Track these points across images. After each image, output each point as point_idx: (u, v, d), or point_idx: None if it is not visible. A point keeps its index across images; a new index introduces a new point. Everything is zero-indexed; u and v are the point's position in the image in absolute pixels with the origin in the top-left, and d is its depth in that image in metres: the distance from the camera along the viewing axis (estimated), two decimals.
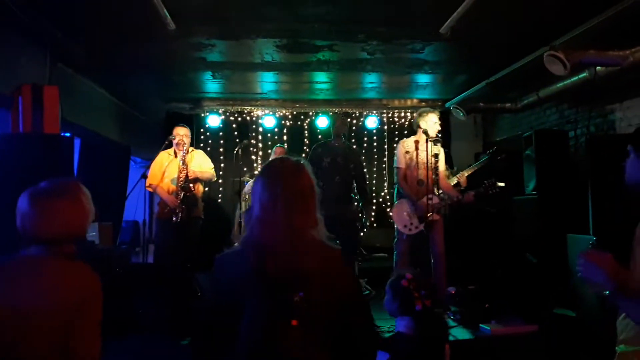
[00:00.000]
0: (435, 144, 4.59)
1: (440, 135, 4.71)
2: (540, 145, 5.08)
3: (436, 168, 4.54)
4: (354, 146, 7.39)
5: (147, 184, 5.04)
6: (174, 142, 5.00)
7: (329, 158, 5.04)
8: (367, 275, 5.52)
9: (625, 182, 1.62)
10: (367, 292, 5.22)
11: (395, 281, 2.42)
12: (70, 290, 1.64)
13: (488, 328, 3.89)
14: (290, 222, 1.56)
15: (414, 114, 5.04)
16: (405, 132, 7.41)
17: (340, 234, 4.58)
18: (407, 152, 4.65)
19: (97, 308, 1.67)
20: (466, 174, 5.28)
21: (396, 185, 4.79)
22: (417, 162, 4.58)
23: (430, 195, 4.44)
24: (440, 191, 4.57)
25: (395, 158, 4.76)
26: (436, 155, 4.56)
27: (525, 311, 4.21)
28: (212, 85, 6.42)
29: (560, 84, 5.13)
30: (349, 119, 7.17)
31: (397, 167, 4.70)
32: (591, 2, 3.74)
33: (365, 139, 7.72)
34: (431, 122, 4.60)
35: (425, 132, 4.59)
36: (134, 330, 3.69)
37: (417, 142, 4.60)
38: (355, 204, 5.43)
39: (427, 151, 4.53)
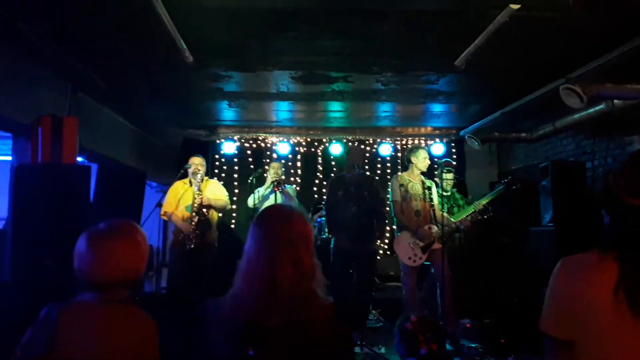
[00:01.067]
0: (445, 174, 4.89)
1: (450, 167, 4.84)
2: (557, 176, 5.03)
3: (430, 199, 4.79)
4: (367, 173, 7.42)
5: (162, 212, 5.09)
6: (189, 171, 5.06)
7: (342, 190, 5.03)
8: (381, 306, 5.46)
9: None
10: (380, 324, 5.16)
11: (402, 324, 2.40)
12: (126, 338, 1.59)
13: None
14: (273, 274, 1.48)
15: (406, 150, 5.33)
16: None
17: (356, 270, 4.60)
18: (401, 185, 4.88)
19: (153, 353, 1.63)
20: (483, 203, 5.24)
21: (395, 219, 4.95)
22: (412, 195, 4.83)
23: (428, 225, 4.74)
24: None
25: (390, 192, 4.95)
26: (429, 188, 4.85)
27: (543, 348, 4.10)
28: (228, 113, 6.50)
29: (577, 115, 5.11)
30: (362, 146, 7.19)
31: (394, 201, 4.91)
32: (607, 38, 3.73)
33: (379, 166, 7.72)
34: (421, 158, 4.90)
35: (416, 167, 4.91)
36: None
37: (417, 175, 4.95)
38: (376, 235, 5.35)
39: (422, 183, 4.85)
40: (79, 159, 4.95)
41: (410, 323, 2.35)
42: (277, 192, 5.23)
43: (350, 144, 7.37)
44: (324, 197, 5.34)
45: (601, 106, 4.66)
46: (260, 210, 1.72)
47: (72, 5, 3.33)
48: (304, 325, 1.47)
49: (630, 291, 1.27)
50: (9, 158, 4.55)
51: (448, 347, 4.32)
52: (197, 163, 5.07)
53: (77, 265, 1.65)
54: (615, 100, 4.47)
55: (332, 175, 7.12)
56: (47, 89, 4.41)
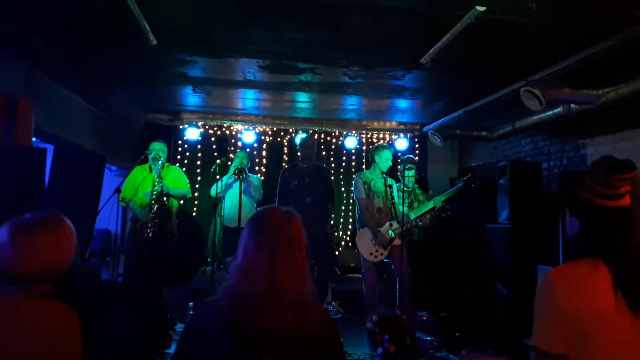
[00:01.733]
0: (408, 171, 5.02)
1: (412, 163, 4.95)
2: (515, 175, 5.18)
3: (392, 197, 4.90)
4: (332, 165, 7.47)
5: (120, 199, 4.96)
6: (150, 157, 4.95)
7: (296, 180, 5.08)
8: (341, 298, 5.51)
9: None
10: (339, 315, 5.22)
11: (367, 322, 2.44)
12: (47, 333, 1.55)
13: (457, 359, 3.91)
14: (272, 273, 1.50)
15: (372, 147, 5.37)
16: None
17: (315, 256, 4.61)
18: (364, 182, 4.97)
19: (74, 350, 1.59)
20: (442, 200, 5.35)
21: (357, 215, 5.05)
22: (375, 192, 4.93)
23: (390, 222, 4.84)
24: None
25: (355, 189, 5.04)
26: (391, 186, 4.96)
27: (495, 342, 4.25)
28: (192, 98, 6.38)
29: (535, 117, 5.24)
30: (325, 138, 7.22)
31: (359, 198, 4.98)
32: (567, 44, 3.86)
33: (344, 158, 7.76)
34: (384, 159, 4.99)
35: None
36: (101, 351, 3.59)
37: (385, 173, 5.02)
38: (331, 223, 5.47)
39: (383, 181, 4.94)
40: (35, 139, 4.77)
41: (371, 323, 2.40)
42: (240, 181, 5.18)
43: (305, 134, 7.36)
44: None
45: (559, 109, 4.81)
46: (260, 209, 1.73)
47: None
48: (303, 327, 1.49)
49: (629, 293, 1.31)
50: None
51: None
52: (158, 149, 4.95)
53: None
54: (572, 105, 4.62)
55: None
56: (1, 65, 4.21)
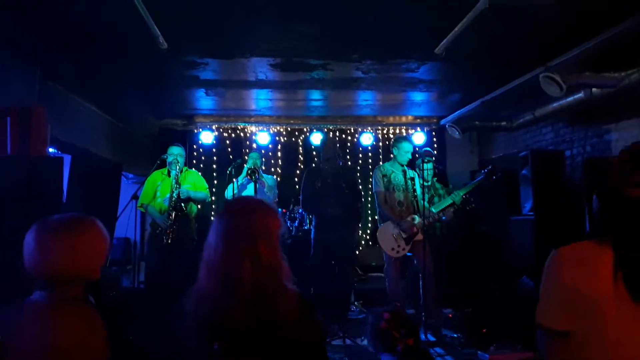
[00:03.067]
0: (424, 164, 4.83)
1: (430, 157, 4.82)
2: (537, 165, 5.05)
3: (414, 190, 4.74)
4: (348, 164, 7.37)
5: (138, 204, 4.95)
6: (168, 161, 4.93)
7: (319, 182, 4.98)
8: (363, 297, 5.43)
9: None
10: (362, 315, 5.14)
11: (375, 323, 2.36)
12: (77, 338, 1.54)
13: (487, 355, 3.81)
14: (228, 268, 1.46)
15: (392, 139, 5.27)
16: None
17: (337, 264, 4.57)
18: (384, 175, 4.84)
19: (102, 354, 1.58)
20: (462, 194, 5.23)
21: (377, 210, 4.92)
22: (395, 185, 4.79)
23: (412, 216, 4.69)
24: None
25: (374, 182, 4.90)
26: (412, 179, 4.80)
27: (523, 336, 4.13)
28: (205, 101, 6.36)
29: (556, 104, 5.11)
30: (339, 136, 7.15)
31: (377, 191, 4.85)
32: (586, 26, 3.72)
33: (361, 155, 7.66)
34: (402, 151, 4.83)
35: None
36: (122, 357, 3.57)
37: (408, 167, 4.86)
38: (355, 227, 5.33)
39: (404, 174, 4.80)
40: (53, 150, 4.79)
41: (384, 321, 2.32)
42: (254, 182, 5.13)
43: (327, 134, 7.29)
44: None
45: (580, 95, 4.67)
46: (226, 201, 1.71)
47: None
48: (269, 318, 1.46)
49: (629, 278, 1.30)
50: None
51: (431, 337, 4.32)
52: (176, 153, 4.92)
53: (27, 260, 1.56)
54: (593, 89, 4.48)
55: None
56: (14, 77, 4.23)
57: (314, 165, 5.69)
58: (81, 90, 5.41)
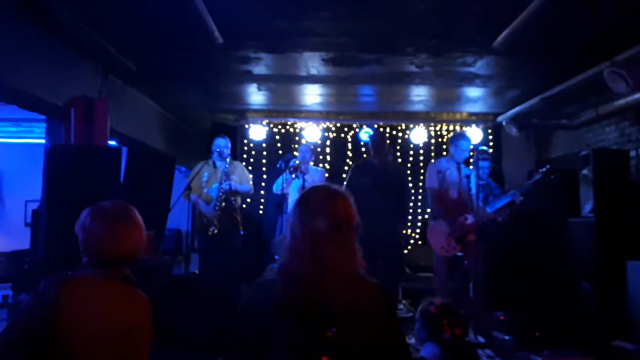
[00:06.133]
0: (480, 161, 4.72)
1: (486, 155, 4.67)
2: (599, 165, 4.79)
3: (469, 188, 4.58)
4: (398, 161, 7.27)
5: (185, 194, 5.08)
6: (215, 152, 5.03)
7: (368, 178, 4.91)
8: (411, 296, 5.34)
9: None
10: (410, 314, 5.06)
11: (425, 308, 2.35)
12: (126, 315, 1.68)
13: (540, 359, 3.66)
14: (320, 254, 1.50)
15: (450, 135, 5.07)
16: None
17: (382, 254, 4.50)
18: (439, 172, 4.69)
19: (146, 333, 1.70)
20: (519, 193, 5.05)
21: (430, 207, 4.85)
22: (450, 183, 4.64)
23: (465, 215, 4.50)
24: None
25: (427, 178, 4.78)
26: (468, 177, 4.63)
27: (581, 342, 3.95)
28: (257, 97, 6.44)
29: (622, 101, 4.86)
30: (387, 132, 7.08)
31: (430, 188, 4.73)
32: None
33: (412, 152, 7.51)
34: (460, 150, 4.68)
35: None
36: (172, 344, 3.66)
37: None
38: (399, 221, 5.26)
39: (459, 171, 4.63)
40: (112, 142, 4.98)
41: (434, 306, 2.30)
42: (299, 177, 5.12)
43: (376, 130, 7.19)
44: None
45: None
46: (306, 189, 1.75)
47: None
48: (361, 305, 1.50)
49: None
50: (43, 141, 4.60)
51: (480, 339, 4.19)
52: (222, 145, 5.03)
53: (84, 240, 1.73)
54: None
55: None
56: (78, 71, 4.43)
57: (360, 161, 5.63)
58: (139, 85, 5.60)
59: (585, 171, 4.98)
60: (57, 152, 3.81)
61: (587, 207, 4.90)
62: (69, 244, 3.38)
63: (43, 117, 4.41)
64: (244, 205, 5.58)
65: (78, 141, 3.97)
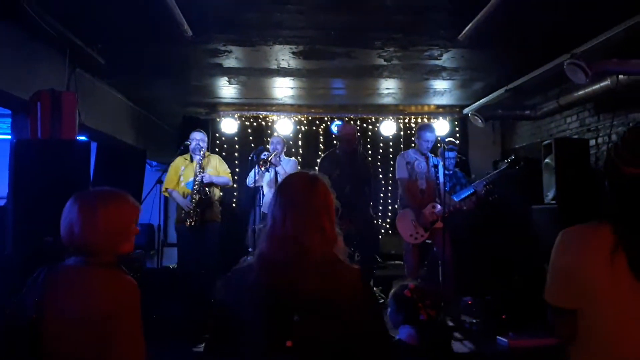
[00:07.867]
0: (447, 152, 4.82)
1: (453, 146, 4.80)
2: (560, 153, 4.96)
3: (437, 178, 4.73)
4: (369, 152, 7.37)
5: (163, 189, 5.07)
6: (191, 146, 5.03)
7: (337, 169, 5.01)
8: (382, 284, 5.46)
9: None
10: (381, 300, 5.17)
11: (399, 292, 2.40)
12: (109, 300, 1.64)
13: (506, 341, 3.80)
14: (300, 239, 1.49)
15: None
16: None
17: (359, 234, 4.62)
18: (407, 162, 4.82)
19: (134, 317, 1.67)
20: (484, 183, 5.20)
21: (399, 196, 4.96)
22: (418, 173, 4.78)
23: (433, 204, 4.68)
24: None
25: (397, 169, 4.91)
26: (436, 166, 4.78)
27: (545, 324, 4.10)
28: (228, 90, 6.43)
29: (581, 92, 5.03)
30: (361, 125, 7.16)
31: (400, 178, 4.85)
32: (613, 12, 3.66)
33: (382, 144, 7.65)
34: (423, 140, 4.81)
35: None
36: (149, 336, 3.67)
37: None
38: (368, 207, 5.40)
39: (427, 162, 4.79)
40: (82, 138, 4.91)
41: (408, 290, 2.35)
42: (270, 169, 5.16)
43: (346, 122, 7.27)
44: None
45: (606, 82, 4.59)
46: (285, 176, 1.75)
47: None
48: (337, 291, 1.49)
49: (630, 252, 1.31)
50: (9, 137, 4.51)
51: (449, 323, 4.33)
52: (198, 138, 5.04)
53: (65, 229, 1.70)
54: (620, 76, 4.39)
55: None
56: (45, 65, 4.35)
57: (328, 152, 5.72)
58: (108, 78, 5.53)
59: (547, 160, 5.15)
60: (23, 147, 3.73)
61: (550, 195, 5.07)
62: (37, 241, 3.37)
63: (8, 111, 4.32)
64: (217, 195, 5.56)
65: (45, 136, 3.89)
